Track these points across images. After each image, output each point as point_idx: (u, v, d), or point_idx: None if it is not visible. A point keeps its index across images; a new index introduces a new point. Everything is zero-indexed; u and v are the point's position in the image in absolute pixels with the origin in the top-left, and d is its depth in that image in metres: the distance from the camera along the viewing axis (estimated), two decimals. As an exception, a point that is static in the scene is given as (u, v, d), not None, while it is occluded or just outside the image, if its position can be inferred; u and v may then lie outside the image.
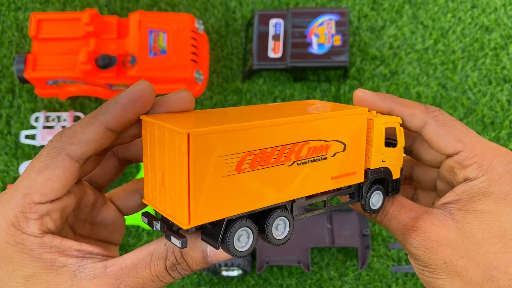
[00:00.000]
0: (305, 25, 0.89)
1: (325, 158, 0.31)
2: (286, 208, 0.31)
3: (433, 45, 0.92)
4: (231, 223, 0.28)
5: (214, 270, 0.77)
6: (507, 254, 0.30)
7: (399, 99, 0.34)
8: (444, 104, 0.88)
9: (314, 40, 0.88)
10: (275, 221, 0.30)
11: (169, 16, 0.88)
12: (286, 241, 0.32)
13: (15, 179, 0.87)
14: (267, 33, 0.89)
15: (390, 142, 0.35)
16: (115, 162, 0.33)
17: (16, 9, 0.97)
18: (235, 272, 0.79)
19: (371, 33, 0.93)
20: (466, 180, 0.32)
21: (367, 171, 0.34)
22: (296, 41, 0.88)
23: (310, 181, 0.31)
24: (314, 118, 0.30)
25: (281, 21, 0.90)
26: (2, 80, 0.92)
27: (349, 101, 0.89)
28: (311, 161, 0.31)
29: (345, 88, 0.90)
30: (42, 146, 0.87)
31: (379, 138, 0.33)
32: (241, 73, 0.92)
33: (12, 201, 0.26)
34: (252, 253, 0.80)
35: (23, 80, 0.85)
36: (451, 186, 0.34)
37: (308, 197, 0.32)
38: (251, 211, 0.29)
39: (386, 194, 0.35)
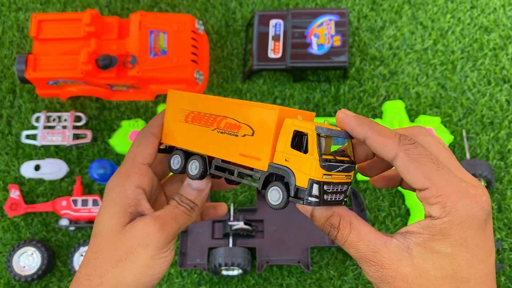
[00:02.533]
0: (305, 25, 0.89)
1: (236, 135, 0.39)
2: (203, 157, 0.42)
3: (432, 46, 0.92)
4: (176, 150, 0.44)
5: (214, 269, 0.77)
6: None
7: (376, 126, 0.35)
8: (443, 104, 0.89)
9: (314, 41, 0.88)
10: (192, 161, 0.42)
11: (169, 16, 0.88)
12: (196, 178, 0.42)
13: (16, 179, 0.87)
14: (267, 34, 0.90)
15: (303, 146, 0.36)
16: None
17: (16, 10, 0.97)
18: (235, 272, 0.79)
19: (370, 34, 0.93)
20: (430, 216, 0.33)
21: (269, 164, 0.38)
22: (296, 41, 0.88)
23: (223, 148, 0.40)
24: (234, 102, 0.40)
25: (281, 21, 0.90)
26: (3, 80, 0.93)
27: (348, 101, 0.90)
28: (226, 133, 0.40)
29: (345, 88, 0.90)
30: (43, 146, 0.87)
31: (284, 136, 0.37)
32: (241, 73, 0.93)
33: (125, 163, 0.41)
34: (252, 253, 0.80)
35: (24, 81, 0.85)
36: None
37: (223, 161, 0.41)
38: (186, 150, 0.43)
39: (287, 196, 0.36)
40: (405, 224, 0.83)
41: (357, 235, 0.34)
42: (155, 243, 0.38)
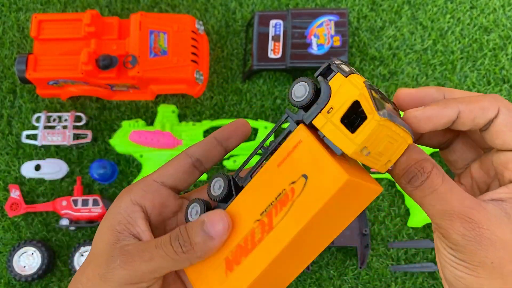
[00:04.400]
0: (305, 26, 0.89)
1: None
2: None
3: (432, 46, 0.92)
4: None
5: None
6: None
7: (459, 98, 0.31)
8: (443, 104, 0.89)
9: (314, 41, 0.88)
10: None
11: (169, 17, 0.89)
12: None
13: (16, 178, 0.88)
14: (267, 34, 0.90)
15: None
16: (195, 170, 0.37)
17: (17, 10, 0.97)
18: (235, 272, 0.79)
19: (370, 34, 0.94)
20: None
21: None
22: (296, 41, 0.88)
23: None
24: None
25: (280, 22, 0.90)
26: (4, 80, 0.93)
27: (348, 101, 0.90)
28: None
29: (345, 88, 0.91)
30: (43, 146, 0.88)
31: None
32: (241, 73, 0.93)
33: (145, 176, 0.36)
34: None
35: (24, 81, 0.85)
36: (491, 178, 0.32)
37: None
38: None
39: None
40: (405, 224, 0.83)
41: (450, 188, 0.29)
42: (114, 282, 0.31)
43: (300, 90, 0.29)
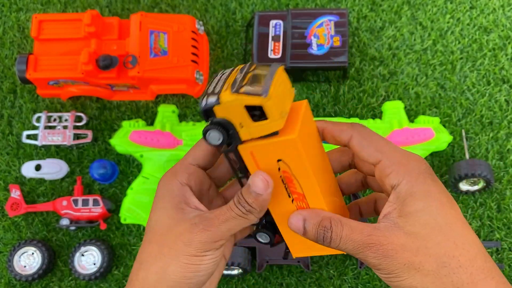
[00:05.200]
0: (305, 26, 0.89)
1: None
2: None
3: (431, 46, 0.92)
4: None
5: (214, 269, 0.77)
6: (448, 241, 0.35)
7: (329, 121, 0.41)
8: (442, 105, 0.89)
9: (314, 41, 0.88)
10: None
11: (169, 17, 0.89)
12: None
13: (17, 178, 0.88)
14: (267, 34, 0.90)
15: None
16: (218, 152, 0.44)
17: (17, 10, 0.97)
18: (235, 271, 0.79)
19: (370, 34, 0.94)
20: (392, 187, 0.37)
21: None
22: (296, 42, 0.89)
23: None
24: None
25: (280, 22, 0.91)
26: (4, 80, 0.93)
27: (348, 101, 0.90)
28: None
29: (345, 88, 0.91)
30: (43, 146, 0.88)
31: None
32: (241, 73, 0.93)
33: (179, 162, 0.42)
34: (252, 253, 0.80)
35: (25, 81, 0.85)
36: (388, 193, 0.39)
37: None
38: None
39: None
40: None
41: (349, 228, 0.37)
42: (197, 242, 0.38)
43: (214, 137, 0.36)
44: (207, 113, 0.35)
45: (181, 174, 0.41)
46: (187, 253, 0.38)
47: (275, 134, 0.35)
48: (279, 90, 0.34)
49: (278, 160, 0.37)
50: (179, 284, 0.38)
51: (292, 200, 0.39)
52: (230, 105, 0.34)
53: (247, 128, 0.35)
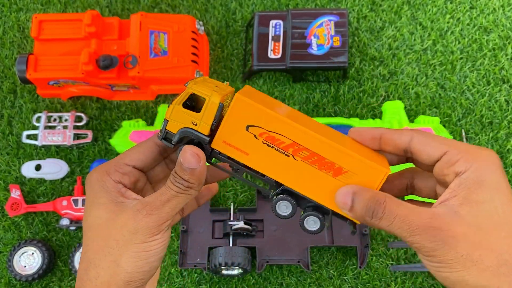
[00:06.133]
0: (305, 26, 0.89)
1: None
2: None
3: (431, 46, 0.92)
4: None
5: (214, 269, 0.77)
6: None
7: (388, 128, 0.40)
8: (442, 105, 0.89)
9: (314, 41, 0.88)
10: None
11: (169, 17, 0.89)
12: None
13: (16, 178, 0.88)
14: (267, 34, 0.90)
15: None
16: (161, 157, 0.44)
17: (17, 10, 0.97)
18: (235, 271, 0.79)
19: (370, 34, 0.94)
20: (457, 175, 0.34)
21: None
22: (296, 42, 0.89)
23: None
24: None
25: (280, 22, 0.91)
26: (4, 80, 0.93)
27: (348, 101, 0.90)
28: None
29: (344, 88, 0.91)
30: (43, 146, 0.88)
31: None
32: (241, 73, 0.93)
33: (112, 161, 0.41)
34: (252, 253, 0.80)
35: (25, 81, 0.85)
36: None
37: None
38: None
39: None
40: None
41: (406, 208, 0.34)
42: (144, 228, 0.37)
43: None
44: (167, 140, 0.39)
45: (114, 172, 0.40)
46: (135, 241, 0.37)
47: (223, 111, 0.37)
48: (199, 80, 0.39)
49: (247, 128, 0.37)
50: (133, 275, 0.37)
51: (293, 157, 0.38)
52: (173, 114, 0.38)
53: (199, 121, 0.37)
